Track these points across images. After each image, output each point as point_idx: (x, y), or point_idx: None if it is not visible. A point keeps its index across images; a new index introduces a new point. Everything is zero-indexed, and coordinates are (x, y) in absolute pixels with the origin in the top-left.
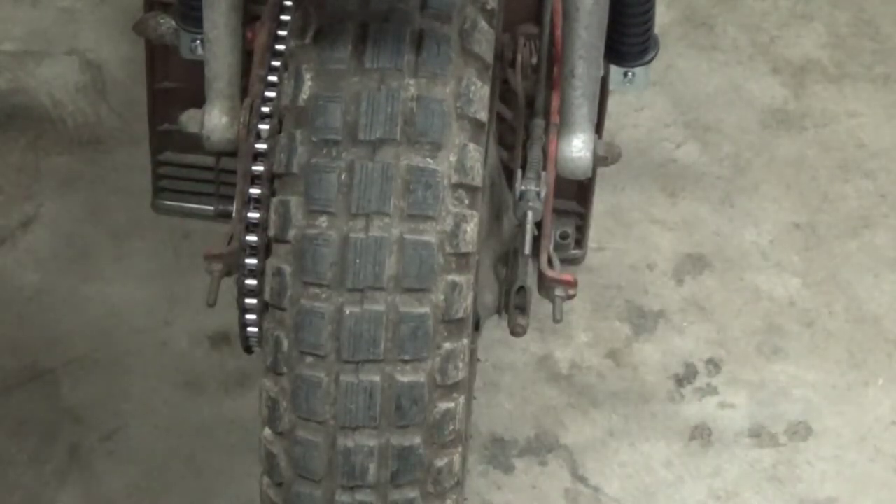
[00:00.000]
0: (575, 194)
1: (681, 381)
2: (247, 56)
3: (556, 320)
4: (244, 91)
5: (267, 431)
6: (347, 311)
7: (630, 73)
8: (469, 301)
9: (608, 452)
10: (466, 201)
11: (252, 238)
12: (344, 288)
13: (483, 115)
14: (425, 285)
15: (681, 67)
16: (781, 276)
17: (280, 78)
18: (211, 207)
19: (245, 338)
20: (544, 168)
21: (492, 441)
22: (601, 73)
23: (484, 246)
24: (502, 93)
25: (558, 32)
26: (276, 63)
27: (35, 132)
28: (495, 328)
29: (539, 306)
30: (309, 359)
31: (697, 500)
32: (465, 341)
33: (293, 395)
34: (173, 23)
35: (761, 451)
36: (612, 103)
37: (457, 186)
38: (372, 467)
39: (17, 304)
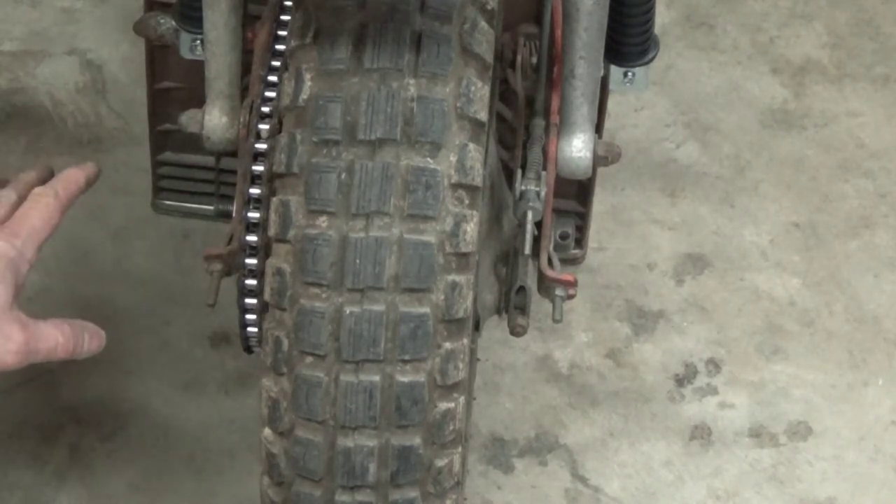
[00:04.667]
0: (575, 194)
1: (681, 381)
2: (247, 56)
3: (556, 320)
4: (244, 91)
5: (267, 431)
6: (347, 311)
7: (630, 73)
8: (469, 301)
9: (608, 452)
10: (466, 201)
11: (252, 238)
12: (344, 288)
13: (483, 115)
14: (425, 285)
15: (681, 67)
16: (781, 276)
17: (280, 78)
18: (211, 207)
19: (245, 338)
20: (544, 168)
21: (492, 441)
22: (601, 73)
23: (484, 246)
24: (502, 93)
25: (558, 32)
26: (276, 63)
27: (35, 132)
28: (495, 328)
29: (539, 306)
30: (309, 359)
31: (697, 500)
32: (465, 341)
33: (293, 395)
34: (173, 23)
35: (761, 451)
36: (612, 103)
37: (457, 186)
38: (372, 467)
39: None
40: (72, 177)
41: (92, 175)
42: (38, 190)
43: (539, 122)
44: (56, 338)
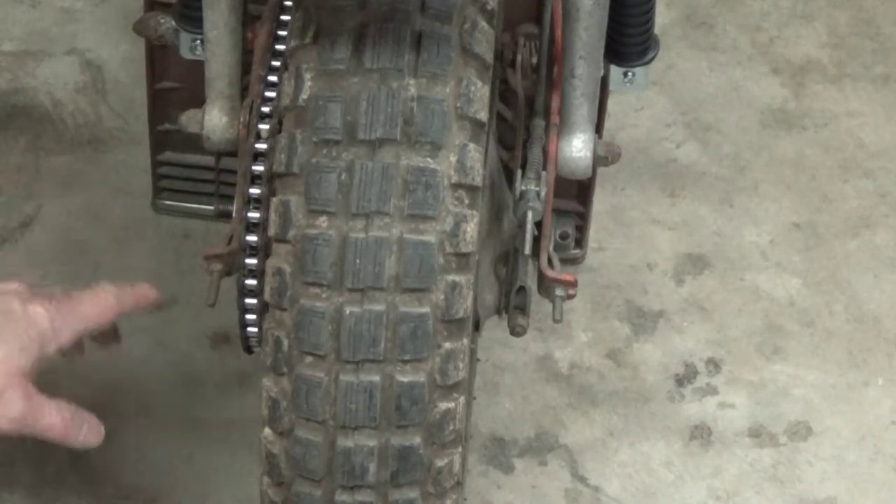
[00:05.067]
0: (575, 194)
1: (681, 381)
2: (247, 56)
3: (556, 320)
4: (244, 91)
5: (267, 431)
6: (347, 311)
7: (630, 73)
8: (469, 301)
9: (608, 452)
10: (466, 201)
11: (252, 238)
12: (344, 288)
13: (483, 115)
14: (425, 285)
15: (681, 67)
16: (781, 276)
17: (280, 78)
18: (211, 207)
19: (245, 338)
20: (544, 168)
21: (492, 441)
22: (601, 73)
23: (484, 246)
24: (502, 93)
25: (558, 32)
26: (276, 63)
27: (35, 132)
28: (495, 328)
29: (539, 306)
30: (309, 359)
31: (697, 500)
32: (465, 341)
33: (293, 395)
34: (173, 23)
35: (761, 451)
36: (612, 103)
37: (457, 186)
38: (372, 467)
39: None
40: (141, 292)
41: (157, 302)
42: (104, 285)
43: (539, 122)
44: (54, 422)
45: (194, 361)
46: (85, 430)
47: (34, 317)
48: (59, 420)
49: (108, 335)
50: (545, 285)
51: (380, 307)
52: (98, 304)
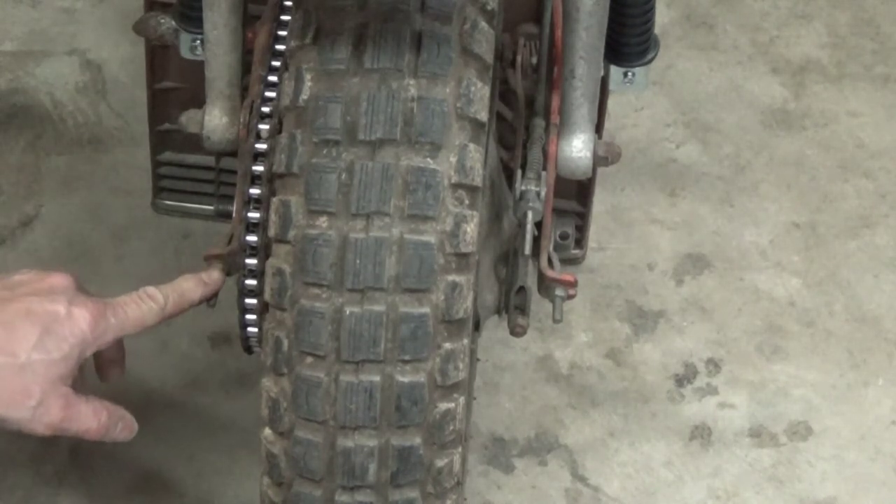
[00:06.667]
0: (575, 194)
1: (681, 381)
2: (247, 56)
3: (556, 320)
4: (244, 91)
5: (267, 431)
6: (347, 312)
7: (630, 74)
8: (469, 301)
9: (608, 452)
10: (466, 201)
11: (252, 238)
12: (344, 288)
13: (483, 115)
14: (425, 285)
15: (681, 67)
16: (781, 276)
17: (280, 78)
18: (211, 207)
19: (245, 338)
20: (544, 168)
21: (492, 441)
22: (601, 73)
23: (484, 246)
24: (502, 93)
25: (558, 32)
26: (276, 63)
27: (35, 132)
28: (495, 328)
29: (539, 306)
30: (309, 359)
31: (697, 500)
32: (465, 341)
33: (293, 396)
34: (173, 23)
35: (761, 451)
36: (612, 103)
37: (457, 186)
38: (372, 467)
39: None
40: (188, 291)
41: (211, 289)
42: (151, 290)
43: (539, 122)
44: (91, 423)
45: (194, 361)
46: (119, 428)
47: (77, 321)
48: (95, 423)
49: (114, 364)
50: (545, 285)
51: (380, 307)
52: (143, 312)
